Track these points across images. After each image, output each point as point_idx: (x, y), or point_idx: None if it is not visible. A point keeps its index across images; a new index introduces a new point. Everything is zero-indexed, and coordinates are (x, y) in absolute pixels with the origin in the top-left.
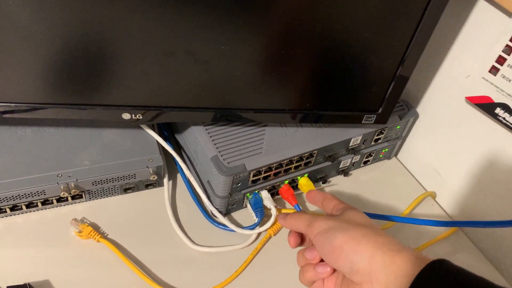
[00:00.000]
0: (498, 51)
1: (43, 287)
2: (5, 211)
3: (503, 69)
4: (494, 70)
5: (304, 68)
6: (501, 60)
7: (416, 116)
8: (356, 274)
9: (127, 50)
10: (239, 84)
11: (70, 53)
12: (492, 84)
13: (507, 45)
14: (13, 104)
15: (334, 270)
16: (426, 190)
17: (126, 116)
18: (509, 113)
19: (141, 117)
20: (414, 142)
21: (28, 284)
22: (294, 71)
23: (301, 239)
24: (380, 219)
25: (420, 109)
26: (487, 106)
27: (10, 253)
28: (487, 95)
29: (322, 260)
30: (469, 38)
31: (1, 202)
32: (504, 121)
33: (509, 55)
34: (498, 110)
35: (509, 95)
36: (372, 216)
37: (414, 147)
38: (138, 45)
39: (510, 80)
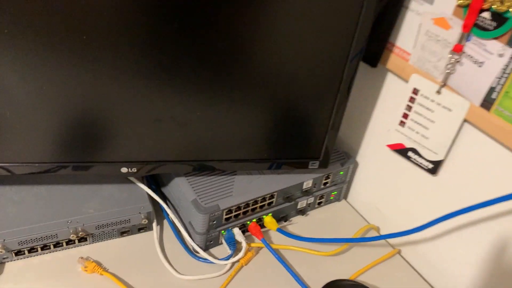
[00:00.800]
0: (403, 109)
1: None
2: (24, 253)
3: (408, 122)
4: (402, 123)
5: (260, 125)
6: (405, 115)
7: (356, 164)
8: None
9: (123, 118)
10: (212, 140)
11: (75, 121)
12: (403, 134)
13: (407, 105)
14: (30, 165)
15: None
16: (369, 223)
17: (123, 170)
18: (417, 155)
19: (136, 171)
20: (357, 186)
21: None
22: (253, 128)
23: None
24: (330, 242)
25: (358, 158)
26: (402, 151)
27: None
28: (400, 142)
29: None
30: (384, 100)
31: (21, 245)
32: (415, 161)
33: (410, 111)
34: (409, 153)
35: (415, 141)
36: (324, 240)
37: (358, 190)
38: (132, 115)
39: (413, 130)
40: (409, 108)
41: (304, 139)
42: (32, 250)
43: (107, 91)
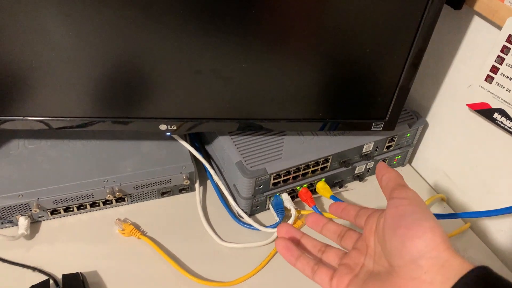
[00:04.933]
0: (492, 61)
1: (92, 276)
2: (60, 212)
3: (497, 77)
4: (489, 79)
5: (316, 80)
6: (494, 70)
7: (426, 125)
8: (416, 268)
9: (163, 71)
10: (259, 97)
11: (115, 74)
12: (489, 91)
13: (499, 56)
14: (68, 119)
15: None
16: (437, 193)
17: (162, 127)
18: (506, 118)
19: (175, 128)
20: (425, 149)
21: (80, 273)
22: (307, 84)
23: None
24: None
25: (429, 118)
26: (485, 112)
27: (64, 248)
28: (485, 101)
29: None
30: (466, 50)
31: (57, 204)
32: (502, 125)
33: (501, 64)
34: (496, 115)
35: (504, 101)
36: None
37: (425, 154)
38: (172, 67)
39: (504, 87)
40: (500, 60)
41: (368, 96)
42: (67, 209)
43: (146, 40)
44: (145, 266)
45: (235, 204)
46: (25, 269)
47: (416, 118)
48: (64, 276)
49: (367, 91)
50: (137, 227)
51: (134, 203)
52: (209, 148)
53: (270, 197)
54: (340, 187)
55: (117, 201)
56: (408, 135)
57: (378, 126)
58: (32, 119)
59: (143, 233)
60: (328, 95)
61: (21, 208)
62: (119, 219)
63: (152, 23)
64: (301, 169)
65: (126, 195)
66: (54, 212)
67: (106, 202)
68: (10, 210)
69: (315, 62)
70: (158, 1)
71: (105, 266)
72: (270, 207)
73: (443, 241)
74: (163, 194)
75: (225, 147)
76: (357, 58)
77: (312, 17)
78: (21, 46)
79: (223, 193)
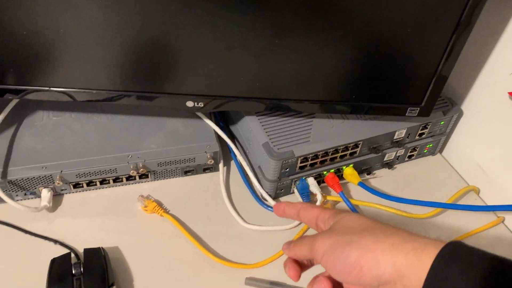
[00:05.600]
0: None
1: (113, 251)
2: (82, 186)
3: None
4: None
5: (351, 61)
6: None
7: (460, 113)
8: (386, 285)
9: (193, 45)
10: (289, 76)
11: (143, 48)
12: None
13: None
14: (93, 92)
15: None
16: (469, 185)
17: (189, 104)
18: None
19: (202, 105)
20: (458, 139)
21: (102, 248)
22: (341, 65)
23: (301, 266)
24: (424, 205)
25: (464, 106)
26: None
27: (86, 222)
28: None
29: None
30: (510, 36)
31: (80, 178)
32: None
33: None
34: None
35: None
36: (416, 202)
37: (458, 144)
38: (202, 41)
39: None
40: None
41: (405, 80)
42: (90, 183)
43: (178, 13)
44: (167, 244)
45: (259, 186)
46: (46, 241)
47: (451, 106)
48: (86, 250)
49: (405, 74)
50: (159, 204)
51: (157, 180)
52: (233, 128)
53: (295, 181)
54: (368, 174)
55: (140, 177)
56: (442, 123)
57: (413, 111)
58: (57, 90)
59: (166, 211)
60: (363, 77)
61: (44, 180)
62: (142, 196)
63: None
64: (330, 154)
65: (149, 171)
66: (76, 185)
67: (129, 178)
68: (34, 181)
69: (353, 41)
70: None
71: (127, 242)
72: (295, 191)
73: (397, 247)
74: (186, 172)
75: (251, 127)
76: (397, 38)
77: None
78: (50, 15)
79: (247, 174)
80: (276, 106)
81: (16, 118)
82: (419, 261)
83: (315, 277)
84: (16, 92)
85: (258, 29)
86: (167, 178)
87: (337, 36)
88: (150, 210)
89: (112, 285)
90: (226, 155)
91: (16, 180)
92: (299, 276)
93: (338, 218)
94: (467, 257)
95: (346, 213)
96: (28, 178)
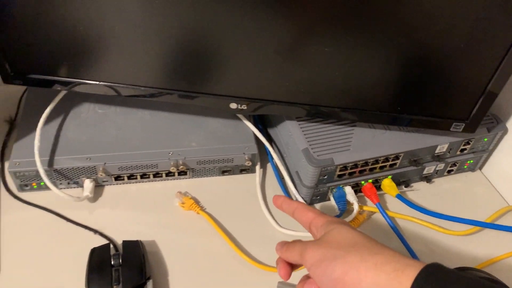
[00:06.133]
0: None
1: (150, 245)
2: (123, 179)
3: None
4: None
5: (400, 72)
6: None
7: (505, 130)
8: None
9: (242, 48)
10: (334, 84)
11: (190, 48)
12: None
13: None
14: (139, 88)
15: None
16: (509, 205)
17: (233, 105)
18: None
19: (245, 108)
20: (500, 156)
21: (140, 241)
22: (390, 75)
23: (292, 266)
24: (462, 223)
25: (509, 123)
26: None
27: (125, 214)
28: None
29: None
30: None
31: (121, 171)
32: None
33: None
34: None
35: None
36: (454, 219)
37: (500, 161)
38: (251, 44)
39: None
40: None
41: (453, 95)
42: (131, 177)
43: (227, 14)
44: (202, 241)
45: (296, 191)
46: (86, 231)
47: (496, 122)
48: (125, 242)
49: (453, 89)
50: (196, 201)
51: (195, 178)
52: (272, 131)
53: (332, 189)
54: (406, 186)
55: (179, 174)
56: (486, 139)
57: (458, 127)
58: (103, 84)
59: (202, 209)
60: (410, 89)
61: (88, 171)
62: (180, 192)
63: None
64: (370, 164)
65: (188, 169)
66: (118, 178)
67: (168, 174)
68: (77, 171)
69: (404, 52)
70: None
71: (164, 237)
72: (332, 198)
73: (380, 267)
74: (223, 172)
75: (291, 132)
76: (449, 52)
77: (405, 3)
78: (107, 13)
79: (283, 178)
80: (317, 112)
81: (63, 110)
82: (399, 283)
83: (306, 277)
84: (65, 84)
85: (308, 36)
86: (204, 177)
87: (388, 46)
88: (187, 207)
89: (149, 278)
90: (263, 157)
91: (61, 169)
92: (290, 275)
93: (329, 228)
94: (444, 279)
95: (338, 225)
96: (72, 168)
